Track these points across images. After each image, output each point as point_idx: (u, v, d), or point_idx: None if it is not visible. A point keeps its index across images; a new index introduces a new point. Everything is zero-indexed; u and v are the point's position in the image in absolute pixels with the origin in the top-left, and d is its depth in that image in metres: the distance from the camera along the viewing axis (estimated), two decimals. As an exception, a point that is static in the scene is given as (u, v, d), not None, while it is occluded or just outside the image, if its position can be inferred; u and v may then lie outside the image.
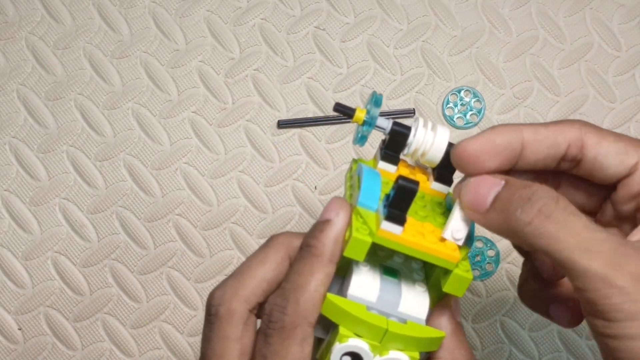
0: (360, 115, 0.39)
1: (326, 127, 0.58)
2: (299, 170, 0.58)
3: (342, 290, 0.37)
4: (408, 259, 0.40)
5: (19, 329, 0.57)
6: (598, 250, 0.32)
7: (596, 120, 0.58)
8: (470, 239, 0.37)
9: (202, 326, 0.56)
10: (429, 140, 0.38)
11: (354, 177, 0.40)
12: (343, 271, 0.38)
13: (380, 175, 0.38)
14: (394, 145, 0.39)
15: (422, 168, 0.41)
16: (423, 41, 0.59)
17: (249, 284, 0.37)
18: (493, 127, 0.37)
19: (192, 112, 0.59)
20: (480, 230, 0.57)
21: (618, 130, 0.57)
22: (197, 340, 0.57)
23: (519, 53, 0.59)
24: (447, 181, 0.39)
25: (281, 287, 0.37)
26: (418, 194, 0.39)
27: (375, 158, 0.41)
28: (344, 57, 0.59)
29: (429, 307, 0.37)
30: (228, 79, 0.59)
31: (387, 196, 0.36)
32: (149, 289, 0.57)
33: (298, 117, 0.58)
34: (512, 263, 0.57)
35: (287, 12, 0.59)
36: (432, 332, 0.36)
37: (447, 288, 0.36)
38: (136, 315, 0.57)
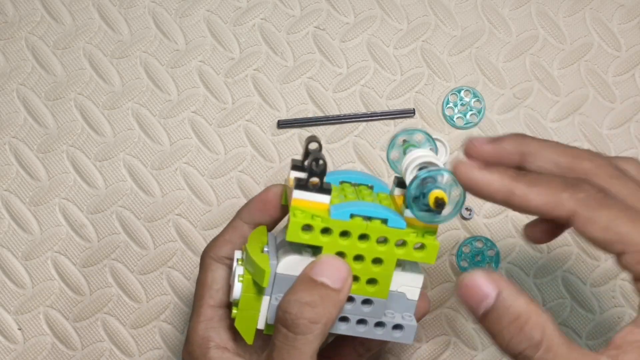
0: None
1: (326, 127, 0.58)
2: (299, 170, 0.58)
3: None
4: None
5: (19, 329, 0.57)
6: None
7: (596, 120, 0.58)
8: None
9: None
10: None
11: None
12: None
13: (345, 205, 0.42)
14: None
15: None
16: (423, 41, 0.59)
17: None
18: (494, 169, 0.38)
19: (192, 112, 0.59)
20: (479, 230, 0.57)
21: (618, 131, 0.57)
22: (197, 340, 0.57)
23: (519, 53, 0.59)
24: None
25: None
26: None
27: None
28: (344, 57, 0.59)
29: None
30: (228, 79, 0.59)
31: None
32: (149, 289, 0.57)
33: (298, 117, 0.58)
34: (512, 263, 0.57)
35: (287, 12, 0.59)
36: (264, 263, 0.40)
37: (286, 233, 0.41)
38: (136, 315, 0.57)
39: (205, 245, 0.57)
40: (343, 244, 0.40)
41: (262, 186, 0.58)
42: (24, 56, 0.59)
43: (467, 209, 0.57)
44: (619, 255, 0.36)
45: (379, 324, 0.42)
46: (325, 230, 0.40)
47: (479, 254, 0.57)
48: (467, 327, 0.56)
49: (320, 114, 0.58)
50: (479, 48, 0.59)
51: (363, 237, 0.40)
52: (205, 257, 0.46)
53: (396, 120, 0.58)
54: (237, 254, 0.43)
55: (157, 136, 0.58)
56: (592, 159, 0.39)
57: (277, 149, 0.58)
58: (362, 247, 0.40)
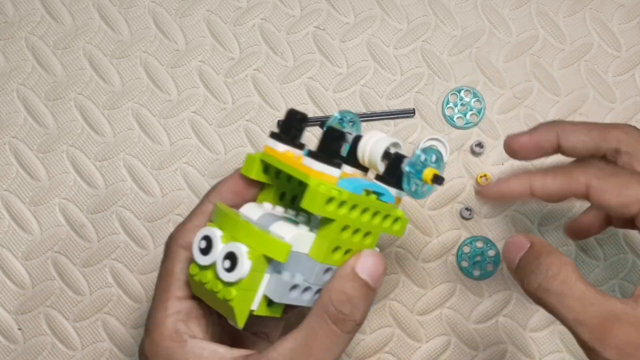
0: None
1: (326, 127, 0.58)
2: (299, 170, 0.58)
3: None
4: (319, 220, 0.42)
5: (19, 329, 0.57)
6: (588, 323, 0.37)
7: (597, 120, 0.58)
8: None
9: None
10: (370, 140, 0.42)
11: None
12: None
13: (356, 179, 0.42)
14: (331, 144, 0.41)
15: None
16: (423, 41, 0.59)
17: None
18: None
19: (192, 112, 0.59)
20: (479, 230, 0.57)
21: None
22: (197, 340, 0.57)
23: (519, 53, 0.59)
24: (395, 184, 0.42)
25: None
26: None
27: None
28: (344, 57, 0.59)
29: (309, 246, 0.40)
30: (228, 79, 0.59)
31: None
32: (148, 289, 0.57)
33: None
34: (512, 263, 0.57)
35: (287, 12, 0.59)
36: (277, 239, 0.39)
37: (304, 204, 0.39)
38: (136, 315, 0.57)
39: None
40: (351, 217, 0.40)
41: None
42: (24, 56, 0.59)
43: (467, 209, 0.57)
44: (635, 217, 0.40)
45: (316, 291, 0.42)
46: (341, 204, 0.39)
47: (479, 254, 0.57)
48: (467, 327, 0.56)
49: (320, 114, 0.58)
50: (479, 48, 0.59)
51: (364, 210, 0.40)
52: (172, 245, 0.43)
53: (396, 120, 0.58)
54: (216, 232, 0.40)
55: (157, 136, 0.58)
56: (620, 127, 0.44)
57: (277, 149, 0.58)
58: (363, 220, 0.40)
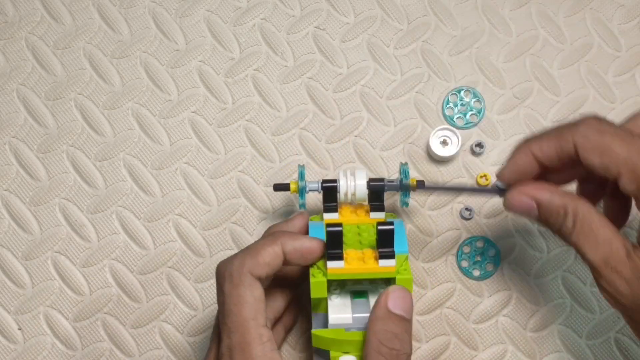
0: (294, 186, 0.51)
1: (326, 127, 0.58)
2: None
3: (325, 324, 0.47)
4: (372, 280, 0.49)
5: (19, 329, 0.57)
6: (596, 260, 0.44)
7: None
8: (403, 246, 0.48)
9: (202, 326, 0.56)
10: (351, 184, 0.50)
11: None
12: (324, 308, 0.48)
13: (322, 224, 0.49)
14: (329, 197, 0.50)
15: (362, 205, 0.51)
16: (423, 41, 0.59)
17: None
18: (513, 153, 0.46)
19: (192, 112, 0.59)
20: (479, 230, 0.57)
21: (618, 130, 0.57)
22: (197, 340, 0.57)
23: (519, 53, 0.59)
24: (380, 209, 0.50)
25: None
26: (354, 227, 0.49)
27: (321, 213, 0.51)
28: (344, 57, 0.59)
29: None
30: (228, 79, 0.59)
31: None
32: (149, 289, 0.57)
33: (298, 117, 0.58)
34: (512, 263, 0.57)
35: (287, 12, 0.59)
36: None
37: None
38: (136, 315, 0.57)
39: (205, 245, 0.57)
40: None
41: (262, 186, 0.58)
42: (24, 56, 0.59)
43: (467, 209, 0.57)
44: (618, 180, 0.40)
45: None
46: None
47: (479, 253, 0.57)
48: (467, 327, 0.56)
49: (320, 114, 0.58)
50: (479, 48, 0.59)
51: None
52: (245, 274, 0.44)
53: (396, 121, 0.58)
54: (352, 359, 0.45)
55: (157, 136, 0.58)
56: (575, 124, 0.43)
57: (277, 149, 0.58)
58: None
